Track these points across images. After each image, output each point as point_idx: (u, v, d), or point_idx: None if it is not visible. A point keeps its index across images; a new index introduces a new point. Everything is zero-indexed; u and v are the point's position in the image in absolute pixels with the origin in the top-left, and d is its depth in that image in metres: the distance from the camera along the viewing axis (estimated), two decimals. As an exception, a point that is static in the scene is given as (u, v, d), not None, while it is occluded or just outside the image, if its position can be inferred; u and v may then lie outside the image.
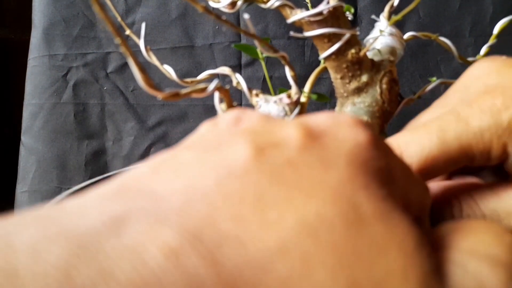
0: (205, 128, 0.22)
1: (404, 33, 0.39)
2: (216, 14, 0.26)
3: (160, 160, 0.18)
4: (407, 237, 0.16)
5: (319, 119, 0.20)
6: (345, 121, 0.20)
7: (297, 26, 0.34)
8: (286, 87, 0.35)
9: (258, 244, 0.14)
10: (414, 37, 0.39)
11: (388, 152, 0.20)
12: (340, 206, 0.16)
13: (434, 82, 0.40)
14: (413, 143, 0.29)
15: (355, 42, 0.34)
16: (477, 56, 0.40)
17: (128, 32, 0.37)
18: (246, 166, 0.17)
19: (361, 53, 0.33)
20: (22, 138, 0.73)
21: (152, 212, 0.14)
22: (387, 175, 0.19)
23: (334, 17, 0.32)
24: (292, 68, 0.33)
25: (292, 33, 0.34)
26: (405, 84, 0.62)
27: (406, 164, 0.23)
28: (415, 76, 0.62)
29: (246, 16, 0.28)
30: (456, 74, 0.39)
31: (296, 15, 0.32)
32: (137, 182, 0.16)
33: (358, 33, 0.33)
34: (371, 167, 0.18)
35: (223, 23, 0.26)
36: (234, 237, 0.14)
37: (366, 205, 0.16)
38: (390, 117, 0.38)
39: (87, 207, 0.15)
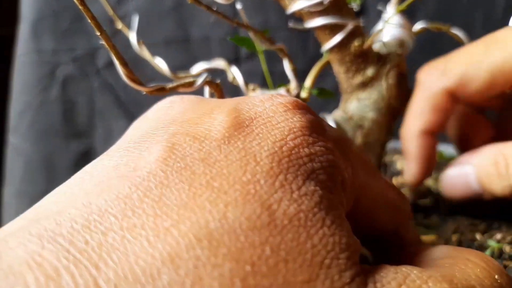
0: (134, 124, 0.22)
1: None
2: (207, 5, 0.26)
3: (78, 176, 0.18)
4: (323, 247, 0.15)
5: (256, 101, 0.20)
6: (283, 103, 0.19)
7: (298, 17, 0.34)
8: (288, 82, 0.35)
9: (143, 255, 0.14)
10: (424, 29, 0.39)
11: (331, 138, 0.19)
12: (249, 209, 0.15)
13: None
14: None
15: (359, 33, 0.33)
16: None
17: (120, 26, 0.37)
18: (151, 168, 0.16)
19: (365, 45, 0.33)
20: (10, 137, 0.73)
21: (44, 236, 0.14)
22: (322, 163, 0.18)
23: (336, 7, 0.32)
24: (291, 60, 0.33)
25: (291, 24, 0.34)
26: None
27: (365, 160, 0.22)
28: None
29: (239, 6, 0.28)
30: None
31: (295, 5, 0.32)
32: (46, 210, 0.16)
33: (361, 24, 0.33)
34: (299, 157, 0.17)
35: (214, 14, 0.26)
36: (117, 251, 0.14)
37: (281, 206, 0.16)
38: (398, 114, 0.38)
39: None
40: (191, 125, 0.19)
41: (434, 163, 0.37)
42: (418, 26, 0.38)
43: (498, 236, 0.32)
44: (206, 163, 0.17)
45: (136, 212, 0.15)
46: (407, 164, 0.37)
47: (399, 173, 0.48)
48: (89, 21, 0.17)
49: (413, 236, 0.25)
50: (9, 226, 0.16)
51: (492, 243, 0.31)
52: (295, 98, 0.20)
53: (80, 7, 0.17)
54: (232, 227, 0.15)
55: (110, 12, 0.35)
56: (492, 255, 0.30)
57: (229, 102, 0.20)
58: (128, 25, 0.36)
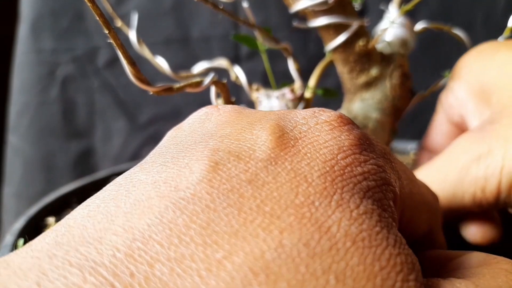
0: (169, 135, 0.21)
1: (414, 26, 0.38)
2: (213, 2, 0.26)
3: (111, 189, 0.17)
4: (392, 268, 0.14)
5: (298, 118, 0.19)
6: (328, 120, 0.19)
7: (301, 16, 0.33)
8: (289, 81, 0.35)
9: None
10: (425, 29, 0.39)
11: (380, 153, 0.19)
12: (307, 234, 0.14)
13: (447, 77, 0.39)
14: None
15: (363, 33, 0.33)
16: None
17: (120, 24, 0.36)
18: (196, 190, 0.15)
19: (370, 45, 0.32)
20: (9, 137, 0.73)
21: (85, 266, 0.13)
22: (376, 181, 0.17)
23: (340, 6, 0.31)
24: (296, 60, 0.33)
25: (295, 24, 0.33)
26: (419, 78, 0.62)
27: (405, 166, 0.21)
28: (427, 70, 0.61)
29: (245, 4, 0.27)
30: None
31: (299, 4, 0.31)
32: (80, 228, 0.15)
33: (366, 24, 0.33)
34: (352, 176, 0.16)
35: (220, 12, 0.26)
36: (167, 286, 0.13)
37: (341, 227, 0.14)
38: (401, 114, 0.37)
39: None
40: (232, 141, 0.17)
41: None
42: (420, 26, 0.38)
43: None
44: (254, 185, 0.15)
45: (183, 240, 0.14)
46: None
47: None
48: (97, 18, 0.17)
49: (441, 237, 0.25)
50: (40, 244, 0.15)
51: None
52: (338, 113, 0.19)
53: (89, 4, 0.16)
54: (290, 256, 0.13)
55: (109, 10, 0.35)
56: None
57: (269, 117, 0.19)
58: (128, 25, 0.36)
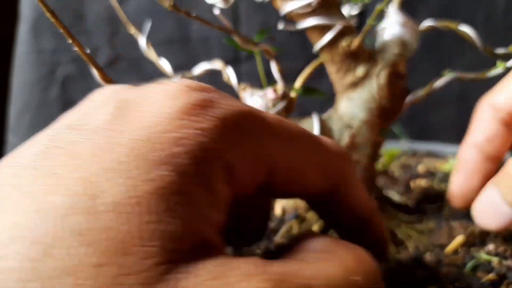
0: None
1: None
2: (185, 11, 0.27)
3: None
4: (129, 233, 0.15)
5: (144, 90, 0.20)
6: (166, 89, 0.19)
7: (291, 18, 0.34)
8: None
9: None
10: (431, 27, 0.38)
11: (217, 116, 0.19)
12: (74, 196, 0.15)
13: (446, 76, 0.39)
14: None
15: (350, 33, 0.34)
16: (509, 48, 0.38)
17: (133, 31, 0.38)
18: (28, 158, 0.18)
19: (352, 45, 0.33)
20: (10, 137, 0.74)
21: None
22: (185, 147, 0.17)
23: (324, 7, 0.32)
24: (278, 62, 0.34)
25: (283, 26, 0.34)
26: (419, 78, 0.62)
27: (283, 125, 0.21)
28: (427, 70, 0.61)
29: (217, 12, 0.29)
30: (470, 68, 0.39)
31: (286, 7, 0.33)
32: None
33: (352, 24, 0.34)
34: (159, 143, 0.17)
35: (196, 20, 0.27)
36: None
37: (107, 194, 0.15)
38: (393, 115, 0.37)
39: None
40: (83, 116, 0.19)
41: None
42: (426, 24, 0.38)
43: (491, 247, 0.31)
44: (62, 152, 0.17)
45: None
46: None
47: (418, 175, 0.47)
48: (61, 31, 0.18)
49: (360, 198, 0.25)
50: None
51: (480, 254, 0.30)
52: (181, 82, 0.20)
53: (52, 19, 0.17)
54: (53, 216, 0.15)
55: (117, 9, 0.36)
56: (476, 268, 0.29)
57: (112, 96, 0.20)
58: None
